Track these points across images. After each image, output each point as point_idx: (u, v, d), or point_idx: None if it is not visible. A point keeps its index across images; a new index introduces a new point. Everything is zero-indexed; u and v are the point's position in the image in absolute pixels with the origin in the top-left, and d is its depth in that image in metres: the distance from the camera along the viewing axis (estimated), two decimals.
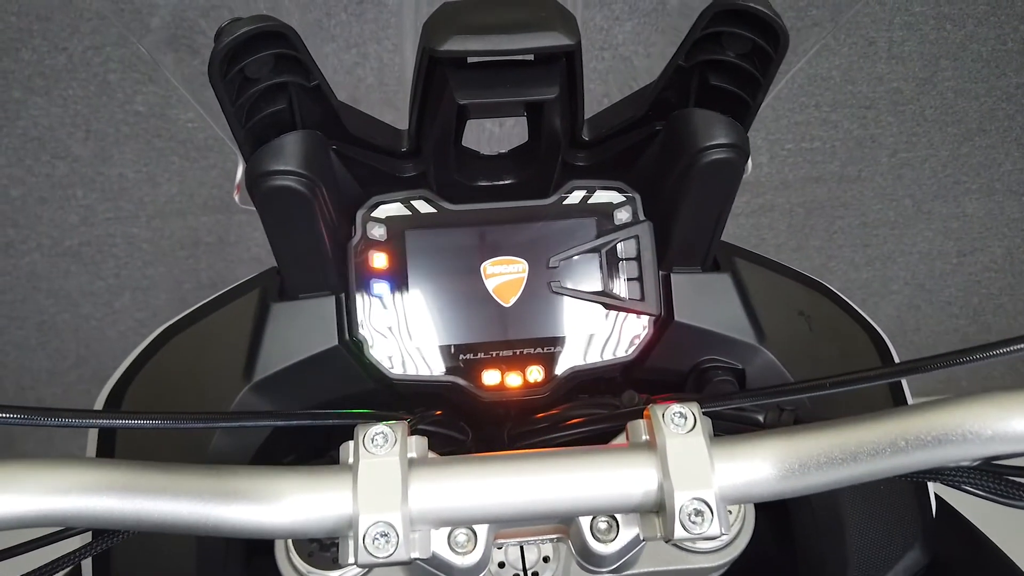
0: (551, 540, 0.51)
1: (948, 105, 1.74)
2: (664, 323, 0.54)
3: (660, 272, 0.55)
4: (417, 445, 0.40)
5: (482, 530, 0.42)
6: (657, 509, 0.38)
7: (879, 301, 1.94)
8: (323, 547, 0.52)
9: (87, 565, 0.48)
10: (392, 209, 0.53)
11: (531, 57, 0.46)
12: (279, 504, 0.36)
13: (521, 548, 0.53)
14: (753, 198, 1.80)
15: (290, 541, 0.52)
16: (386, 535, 0.36)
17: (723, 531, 0.37)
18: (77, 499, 0.33)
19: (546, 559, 0.53)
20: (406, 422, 0.40)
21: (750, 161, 0.53)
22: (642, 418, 0.41)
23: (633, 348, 0.54)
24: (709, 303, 0.55)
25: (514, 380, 0.53)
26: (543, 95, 0.45)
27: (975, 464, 0.38)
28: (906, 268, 1.91)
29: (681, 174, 0.50)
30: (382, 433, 0.39)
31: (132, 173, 1.61)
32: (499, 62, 0.45)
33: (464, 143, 0.55)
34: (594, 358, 0.54)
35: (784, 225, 1.83)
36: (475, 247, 0.54)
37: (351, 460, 0.38)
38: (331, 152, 0.50)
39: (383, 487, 0.37)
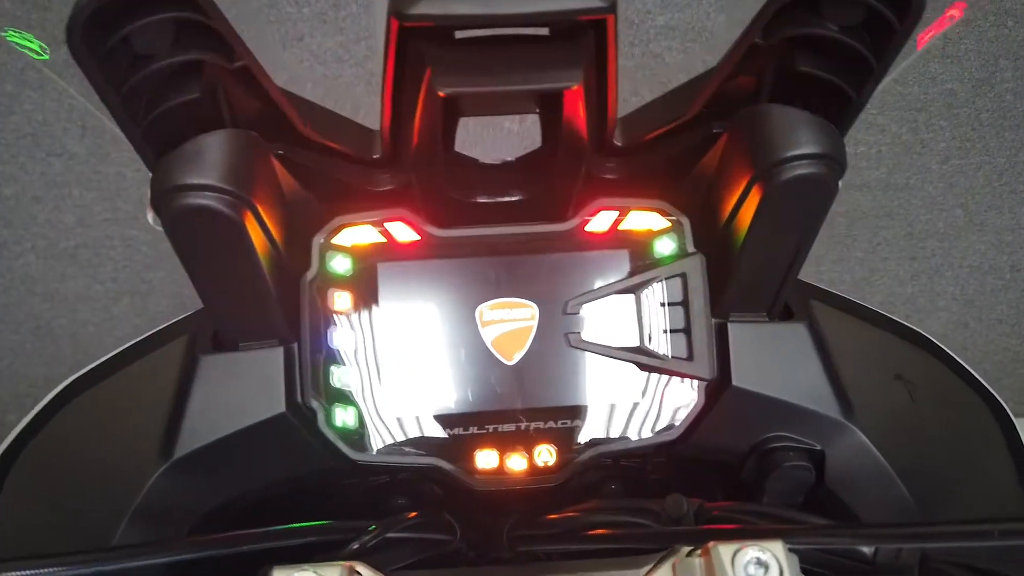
0: None
1: (1006, 108, 1.58)
2: (718, 389, 0.40)
3: (714, 321, 0.40)
4: None
5: None
6: None
7: (925, 318, 1.78)
8: None
9: None
10: (360, 234, 0.39)
11: (545, 31, 0.32)
12: None
13: None
14: None
15: None
16: None
17: None
18: None
19: None
20: (343, 566, 0.26)
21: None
22: (698, 555, 0.27)
23: (678, 424, 0.40)
24: (778, 363, 0.40)
25: (517, 464, 0.39)
26: (561, 83, 0.31)
27: None
28: (955, 283, 1.75)
29: (749, 193, 0.35)
30: None
31: (131, 172, 1.50)
32: (499, 37, 0.31)
33: (458, 148, 0.41)
34: (624, 436, 0.39)
35: (825, 235, 1.66)
36: (469, 286, 0.40)
37: None
38: (273, 159, 0.36)
39: None
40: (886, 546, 0.33)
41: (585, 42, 0.31)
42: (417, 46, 0.31)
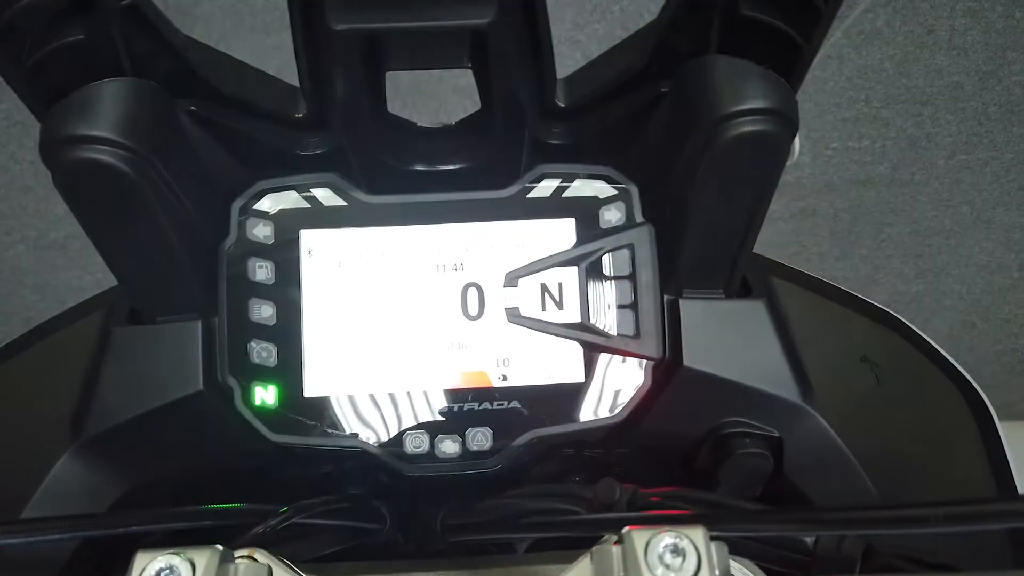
0: None
1: (1014, 102, 1.54)
2: (668, 370, 0.37)
3: (665, 297, 0.38)
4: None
5: None
6: None
7: (930, 317, 1.74)
8: None
9: None
10: (283, 200, 0.37)
11: None
12: None
13: None
14: (793, 201, 1.61)
15: None
16: None
17: None
18: None
19: None
20: (219, 549, 0.23)
21: (798, 140, 0.36)
22: (615, 543, 0.24)
23: (622, 406, 0.37)
24: (734, 343, 0.37)
25: (450, 447, 0.36)
26: (471, 19, 0.28)
27: None
28: (961, 282, 1.71)
29: (696, 153, 0.33)
30: (170, 570, 0.22)
31: None
32: None
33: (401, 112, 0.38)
34: (566, 420, 0.37)
35: (827, 231, 1.64)
36: (401, 256, 0.37)
37: None
38: (184, 115, 0.34)
39: None
40: (826, 535, 0.30)
41: None
42: None
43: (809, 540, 0.30)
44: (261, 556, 0.27)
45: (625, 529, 0.24)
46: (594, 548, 0.25)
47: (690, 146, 0.33)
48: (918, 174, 1.57)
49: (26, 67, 0.29)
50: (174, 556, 0.23)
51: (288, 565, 0.26)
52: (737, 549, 0.26)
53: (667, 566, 0.23)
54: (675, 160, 0.34)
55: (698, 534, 0.23)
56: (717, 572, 0.23)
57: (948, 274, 1.69)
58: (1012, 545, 0.34)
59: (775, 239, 1.67)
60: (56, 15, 0.29)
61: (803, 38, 0.30)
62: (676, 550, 0.23)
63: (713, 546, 0.23)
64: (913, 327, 0.42)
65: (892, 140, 1.55)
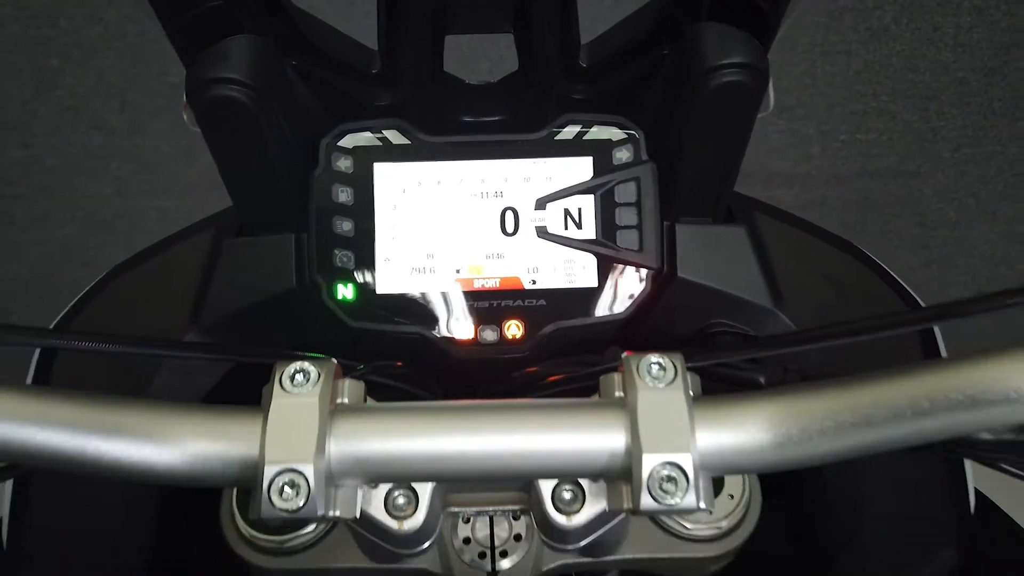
0: (516, 513, 0.44)
1: (1019, 98, 1.61)
2: (665, 279, 0.47)
3: (664, 222, 0.47)
4: (350, 390, 0.34)
5: (424, 492, 0.35)
6: (624, 475, 0.31)
7: None
8: None
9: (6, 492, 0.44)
10: (361, 139, 0.47)
11: None
12: (175, 445, 0.31)
13: (491, 524, 0.47)
14: (803, 192, 1.69)
15: (234, 502, 0.46)
16: (295, 486, 0.30)
17: (702, 505, 0.30)
18: None
19: (517, 537, 0.46)
20: (334, 362, 0.34)
21: (771, 94, 0.46)
22: (617, 372, 0.34)
23: (628, 306, 0.47)
24: (719, 259, 0.47)
25: (490, 335, 0.47)
26: None
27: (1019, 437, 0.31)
28: (966, 272, 1.78)
29: (687, 102, 0.43)
30: (303, 371, 0.32)
31: (167, 146, 1.60)
32: None
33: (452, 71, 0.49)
34: (582, 315, 0.47)
35: (835, 221, 1.72)
36: (453, 184, 0.47)
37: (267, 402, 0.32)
38: (290, 68, 0.44)
39: (296, 431, 0.31)
40: (773, 367, 0.39)
41: None
42: None
43: (762, 379, 0.40)
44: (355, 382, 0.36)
45: (625, 355, 0.33)
46: (601, 377, 0.35)
47: (684, 96, 0.43)
48: (924, 166, 1.65)
49: (179, 25, 0.40)
50: (306, 363, 0.33)
51: (374, 380, 0.36)
52: (712, 388, 0.35)
53: (655, 378, 0.32)
54: (673, 109, 0.44)
55: (678, 358, 0.33)
56: (690, 386, 0.32)
57: (953, 265, 1.76)
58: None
59: None
60: None
61: (771, 8, 0.40)
62: (661, 366, 0.33)
63: (689, 375, 0.33)
64: (870, 255, 0.51)
65: (899, 133, 1.64)
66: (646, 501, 0.30)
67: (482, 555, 0.46)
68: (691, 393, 0.32)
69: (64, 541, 0.44)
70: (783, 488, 0.48)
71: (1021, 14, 1.57)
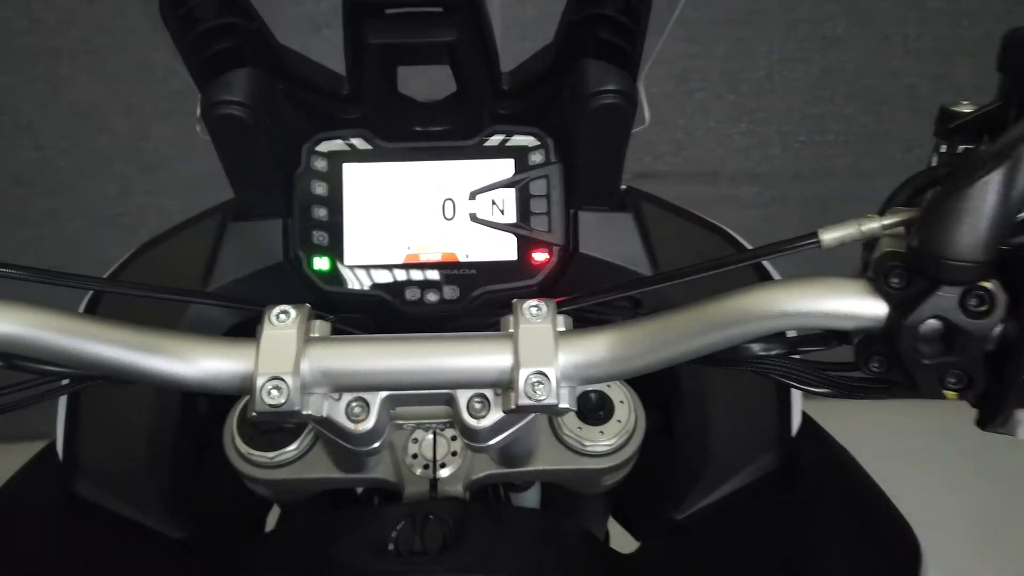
0: (454, 436, 0.59)
1: None
2: (570, 254, 0.62)
3: (569, 209, 0.62)
4: (320, 327, 0.49)
5: (374, 402, 0.50)
6: (510, 383, 0.46)
7: None
8: (262, 433, 0.61)
9: (62, 411, 0.59)
10: (333, 145, 0.62)
11: (439, 9, 0.54)
12: (197, 362, 0.45)
13: (434, 443, 0.62)
14: (765, 190, 1.84)
15: (235, 427, 0.61)
16: (279, 389, 0.45)
17: (563, 405, 0.44)
18: (22, 331, 0.43)
19: (455, 453, 0.61)
20: (308, 306, 0.48)
21: (647, 113, 0.61)
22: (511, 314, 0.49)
23: (540, 275, 0.62)
24: (611, 238, 0.62)
25: (432, 297, 0.62)
26: (442, 37, 0.54)
27: (783, 352, 0.45)
28: None
29: (578, 118, 0.58)
30: (285, 312, 0.47)
31: (168, 148, 1.74)
32: (411, 13, 0.54)
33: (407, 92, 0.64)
34: (505, 281, 0.62)
35: (797, 217, 1.86)
36: (405, 180, 0.62)
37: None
38: (279, 92, 0.59)
39: (279, 352, 0.45)
40: (625, 308, 0.54)
41: (462, 14, 0.54)
42: (360, 16, 0.54)
43: (617, 317, 0.55)
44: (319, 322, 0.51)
45: (514, 301, 0.48)
46: (501, 318, 0.50)
47: (576, 113, 0.58)
48: (878, 166, 1.80)
49: (198, 62, 0.55)
50: (287, 307, 0.48)
51: (343, 328, 0.51)
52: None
53: (533, 316, 0.47)
54: (570, 122, 0.59)
55: (551, 302, 0.48)
56: (560, 323, 0.47)
57: None
58: None
59: (748, 225, 1.90)
60: (216, 31, 0.54)
61: (632, 49, 0.55)
62: (538, 308, 0.47)
63: (560, 317, 0.47)
64: (737, 236, 0.66)
65: (854, 135, 1.78)
66: (523, 400, 0.44)
67: (426, 466, 0.61)
68: (560, 328, 0.46)
69: (106, 449, 0.59)
70: (661, 405, 0.63)
71: (964, 24, 1.71)
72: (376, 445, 0.51)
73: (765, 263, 0.63)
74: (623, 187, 0.66)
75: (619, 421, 0.61)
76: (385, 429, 0.51)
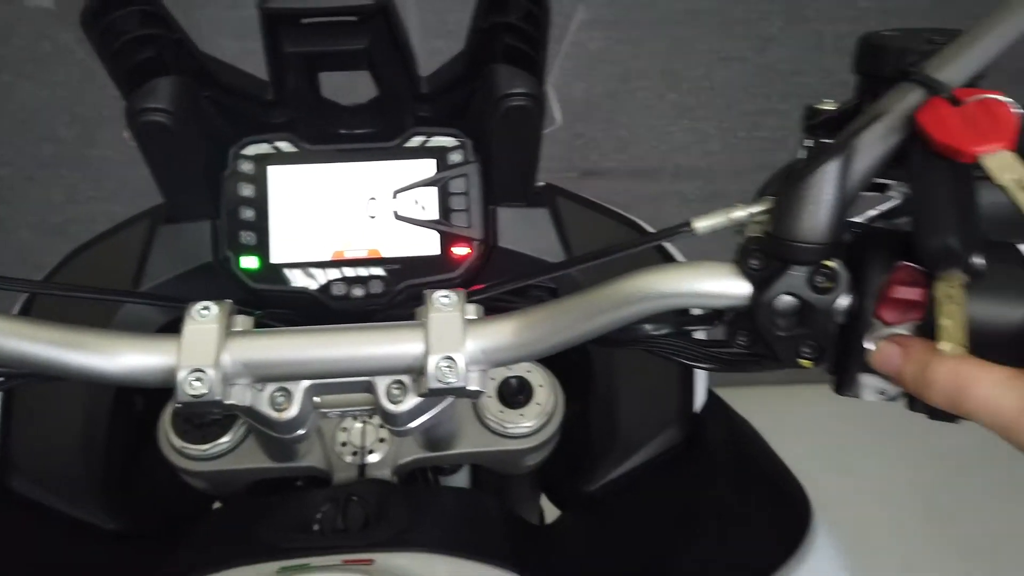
0: (376, 418, 0.62)
1: None
2: (489, 248, 0.65)
3: (488, 206, 0.66)
4: (243, 322, 0.51)
5: (296, 391, 0.53)
6: (422, 369, 0.49)
7: None
8: (196, 426, 0.64)
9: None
10: (259, 148, 0.65)
11: (355, 18, 0.57)
12: (125, 357, 0.48)
13: (363, 431, 0.65)
14: (706, 184, 1.90)
15: (168, 421, 0.64)
16: (201, 380, 0.47)
17: (472, 388, 0.48)
18: None
19: (382, 440, 0.65)
20: (230, 302, 0.51)
21: (557, 113, 0.65)
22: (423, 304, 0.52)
23: (462, 268, 0.65)
24: (528, 232, 0.66)
25: (358, 291, 0.65)
26: (357, 45, 0.57)
27: (672, 331, 0.49)
28: None
29: (491, 120, 0.61)
30: (207, 307, 0.50)
31: (114, 155, 1.75)
32: (327, 22, 0.57)
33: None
34: (428, 274, 0.65)
35: None
36: (330, 180, 0.65)
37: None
38: (203, 99, 0.62)
39: (201, 345, 0.48)
40: (530, 296, 0.58)
41: (376, 21, 0.57)
42: (277, 26, 0.57)
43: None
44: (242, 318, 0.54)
45: (424, 292, 0.52)
46: (416, 309, 0.53)
47: (489, 115, 0.61)
48: None
49: (123, 72, 0.57)
50: (209, 303, 0.50)
51: (271, 324, 0.54)
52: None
53: (443, 305, 0.50)
54: (485, 124, 0.63)
55: (460, 292, 0.51)
56: (472, 312, 0.50)
57: None
58: None
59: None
60: (139, 41, 0.57)
61: (536, 55, 0.59)
62: (448, 298, 0.51)
63: (472, 306, 0.51)
64: (646, 226, 0.70)
65: (790, 131, 1.84)
66: (434, 384, 0.48)
67: (355, 453, 0.64)
68: (472, 316, 0.50)
69: (39, 446, 0.61)
70: (579, 387, 0.67)
71: (893, 22, 1.78)
72: (301, 432, 0.54)
73: (671, 248, 0.67)
74: (541, 183, 0.70)
75: (539, 404, 0.65)
76: (309, 417, 0.53)
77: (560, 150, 1.79)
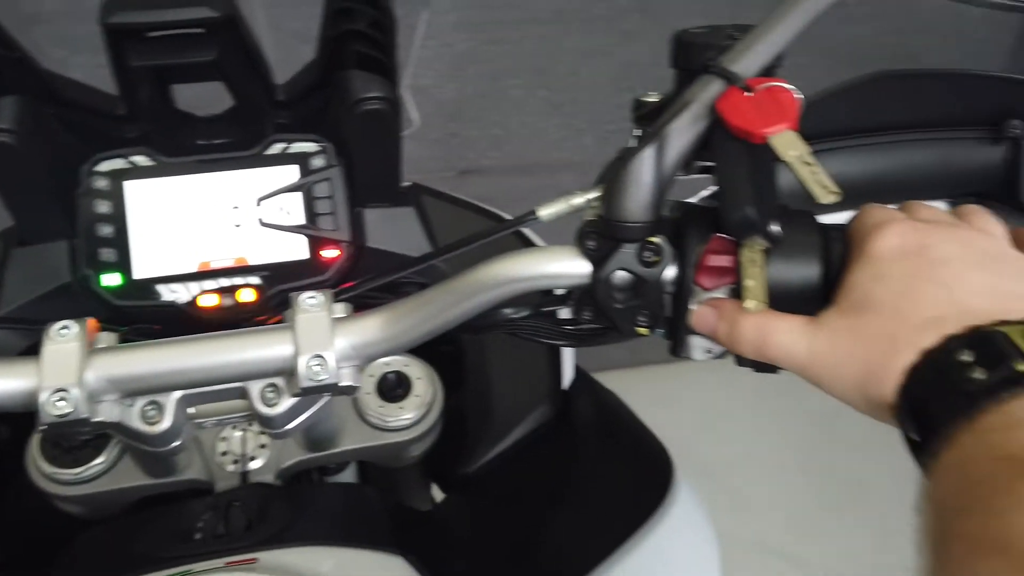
0: (255, 425, 0.63)
1: None
2: (358, 249, 0.67)
3: (354, 208, 0.68)
4: (106, 338, 0.51)
5: (168, 403, 0.53)
6: (292, 370, 0.51)
7: None
8: (66, 450, 0.63)
9: None
10: (114, 164, 0.64)
11: (202, 30, 0.58)
12: None
13: (244, 438, 0.65)
14: (581, 176, 1.94)
15: (36, 448, 0.62)
16: (65, 400, 0.47)
17: (344, 383, 0.49)
18: None
19: (263, 446, 0.65)
20: (90, 319, 0.51)
21: (415, 115, 0.67)
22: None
23: (331, 271, 0.67)
24: (396, 231, 0.68)
25: (228, 301, 0.65)
26: (205, 57, 0.57)
27: (530, 314, 0.53)
28: None
29: (348, 125, 0.63)
30: (66, 326, 0.50)
31: None
32: (173, 35, 0.58)
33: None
34: (299, 279, 0.66)
35: None
36: (191, 191, 0.65)
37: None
38: (51, 117, 0.61)
39: (63, 364, 0.48)
40: (397, 292, 0.61)
41: (223, 32, 0.58)
42: (120, 40, 0.56)
43: None
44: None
45: (290, 295, 0.53)
46: (285, 312, 0.54)
47: (346, 119, 0.63)
48: None
49: None
50: (68, 321, 0.50)
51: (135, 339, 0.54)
52: None
53: (310, 307, 0.52)
54: (344, 129, 0.65)
55: (327, 292, 0.53)
56: (340, 310, 0.52)
57: None
58: None
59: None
60: None
61: (388, 60, 0.61)
62: (314, 299, 0.52)
63: (340, 305, 0.52)
64: (507, 216, 0.74)
65: None
66: (306, 383, 0.49)
67: (236, 462, 0.65)
68: (340, 314, 0.52)
69: None
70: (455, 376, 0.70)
71: (743, 16, 1.90)
72: (177, 444, 0.54)
73: (531, 235, 0.71)
74: (407, 183, 0.72)
75: (418, 396, 0.67)
76: (183, 428, 0.54)
77: (437, 150, 1.82)
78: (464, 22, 1.80)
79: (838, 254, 0.43)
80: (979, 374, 0.32)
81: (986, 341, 0.33)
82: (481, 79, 1.83)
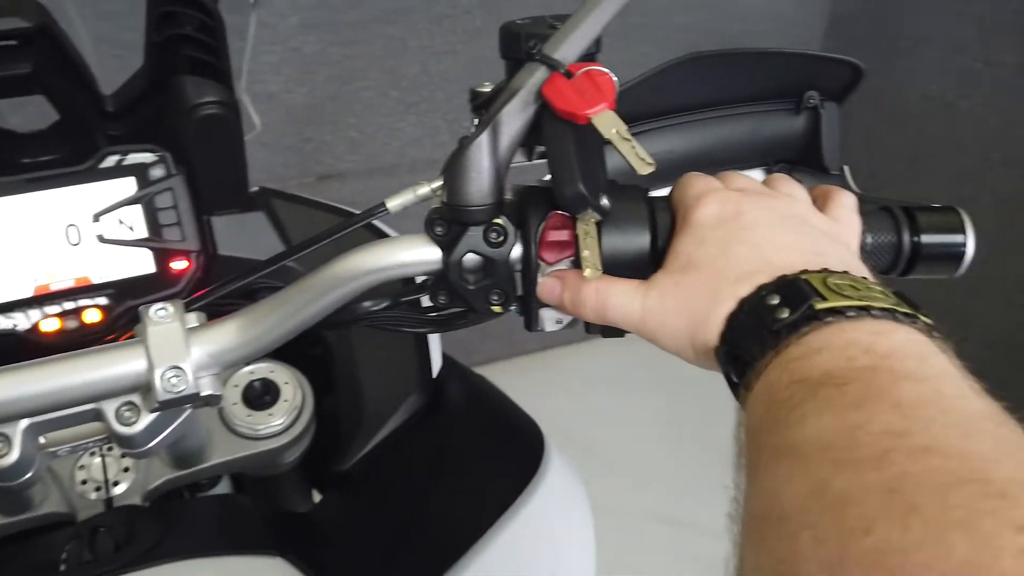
0: (117, 448, 0.61)
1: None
2: (209, 258, 0.66)
3: (202, 216, 0.66)
4: None
5: (14, 433, 0.50)
6: (148, 385, 0.49)
7: None
8: None
9: None
10: None
11: (15, 42, 0.55)
12: None
13: (103, 463, 0.63)
14: (436, 171, 1.98)
15: None
16: None
17: (205, 392, 0.48)
18: None
19: (126, 469, 0.63)
20: None
21: (256, 119, 0.67)
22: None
23: (182, 282, 0.65)
24: (248, 237, 0.67)
25: (72, 323, 0.62)
26: (19, 70, 0.55)
27: (389, 304, 0.54)
28: None
29: (185, 132, 0.62)
30: None
31: None
32: None
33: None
34: (148, 294, 0.64)
35: None
36: (18, 212, 0.62)
37: None
38: None
39: None
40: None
41: (39, 43, 0.55)
42: None
43: None
44: None
45: (139, 308, 0.51)
46: (136, 326, 0.53)
47: (182, 126, 0.62)
48: None
49: None
50: None
51: None
52: None
53: (161, 318, 0.51)
54: (181, 136, 0.63)
55: (177, 302, 0.52)
56: (193, 320, 0.51)
57: None
58: None
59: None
60: None
61: (220, 63, 0.60)
62: (165, 309, 0.51)
63: (193, 315, 0.52)
64: (350, 209, 0.75)
65: None
66: (164, 396, 0.48)
67: (99, 488, 0.62)
68: (194, 323, 0.51)
69: None
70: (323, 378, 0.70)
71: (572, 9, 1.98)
72: (28, 476, 0.52)
73: (385, 227, 0.72)
74: (255, 188, 0.72)
75: (286, 401, 0.67)
76: (34, 459, 0.51)
77: (292, 157, 1.79)
78: (308, 24, 1.77)
79: (665, 222, 0.47)
80: (784, 314, 0.36)
81: (790, 286, 0.38)
82: (331, 82, 1.81)
